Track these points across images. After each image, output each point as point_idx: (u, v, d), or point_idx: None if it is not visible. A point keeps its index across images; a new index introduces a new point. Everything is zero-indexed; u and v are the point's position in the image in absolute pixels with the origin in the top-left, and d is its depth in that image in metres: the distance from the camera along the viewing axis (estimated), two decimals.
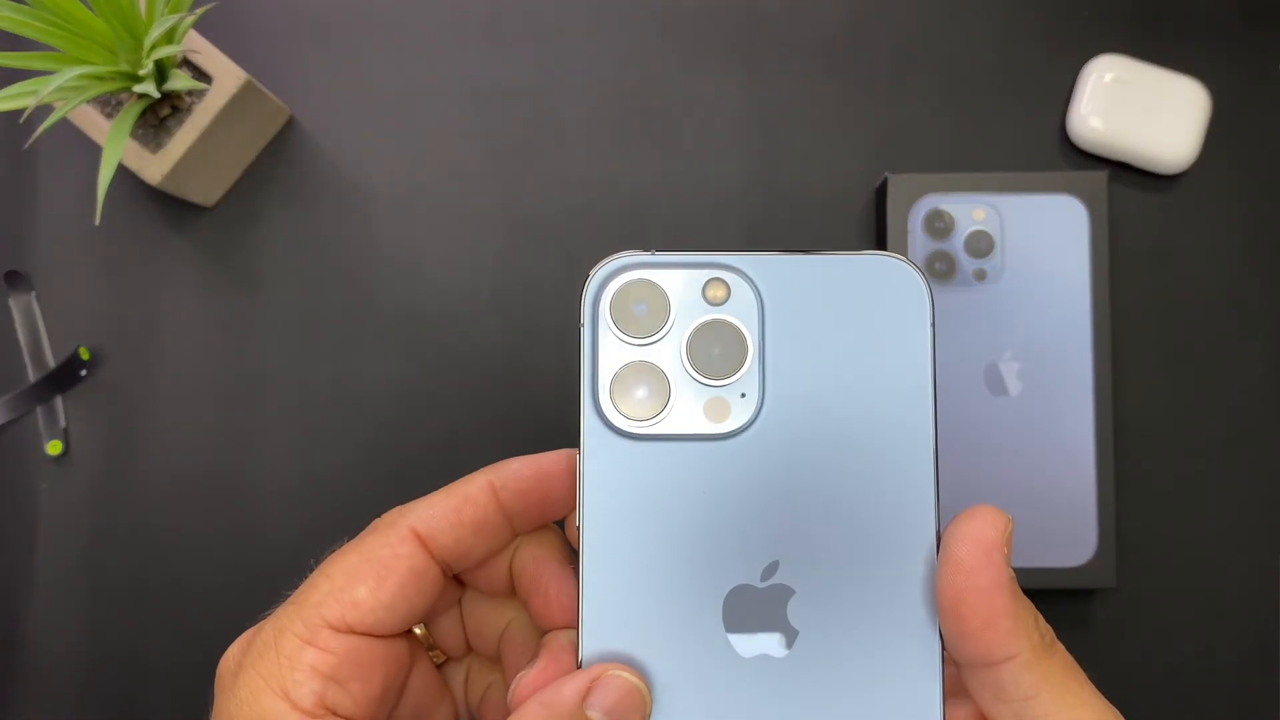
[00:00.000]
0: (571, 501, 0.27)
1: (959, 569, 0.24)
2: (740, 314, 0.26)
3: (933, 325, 0.25)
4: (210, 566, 0.46)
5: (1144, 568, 0.45)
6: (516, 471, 0.27)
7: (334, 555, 0.27)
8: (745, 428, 0.25)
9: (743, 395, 0.25)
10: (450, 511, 0.27)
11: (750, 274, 0.26)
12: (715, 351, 0.26)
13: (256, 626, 0.27)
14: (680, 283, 0.26)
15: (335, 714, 0.25)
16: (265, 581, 0.46)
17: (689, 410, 0.26)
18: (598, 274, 0.26)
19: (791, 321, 0.26)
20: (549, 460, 0.27)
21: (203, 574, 0.46)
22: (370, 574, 0.26)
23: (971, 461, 0.43)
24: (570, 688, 0.24)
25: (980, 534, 0.24)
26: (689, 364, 0.26)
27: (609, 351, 0.26)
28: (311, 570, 0.27)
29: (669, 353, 0.26)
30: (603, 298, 0.26)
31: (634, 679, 0.25)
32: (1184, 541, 0.45)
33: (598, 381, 0.26)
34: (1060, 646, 0.24)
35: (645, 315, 0.26)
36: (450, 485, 0.27)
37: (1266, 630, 0.45)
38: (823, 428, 0.25)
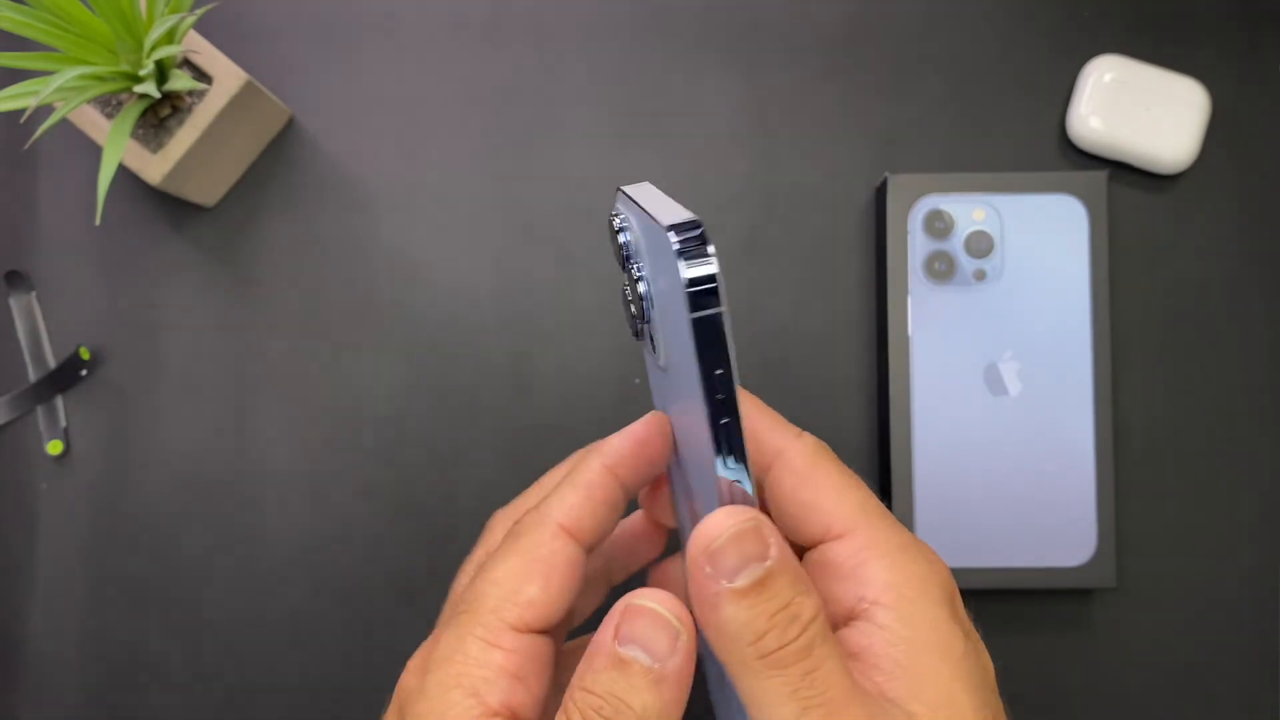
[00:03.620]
0: (665, 457, 0.30)
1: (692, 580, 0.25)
2: None
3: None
4: (210, 566, 0.46)
5: (1144, 568, 0.45)
6: (620, 448, 0.30)
7: (489, 564, 0.29)
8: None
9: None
10: (585, 500, 0.29)
11: None
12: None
13: (431, 640, 0.29)
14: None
15: (517, 715, 0.26)
16: (265, 581, 0.46)
17: None
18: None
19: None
20: (641, 429, 0.30)
21: (202, 574, 0.46)
22: (537, 573, 0.28)
23: (971, 461, 0.44)
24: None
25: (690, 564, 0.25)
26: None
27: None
28: (453, 589, 0.30)
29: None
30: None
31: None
32: (1184, 541, 0.45)
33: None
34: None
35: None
36: (565, 479, 0.30)
37: (1267, 630, 0.45)
38: None
